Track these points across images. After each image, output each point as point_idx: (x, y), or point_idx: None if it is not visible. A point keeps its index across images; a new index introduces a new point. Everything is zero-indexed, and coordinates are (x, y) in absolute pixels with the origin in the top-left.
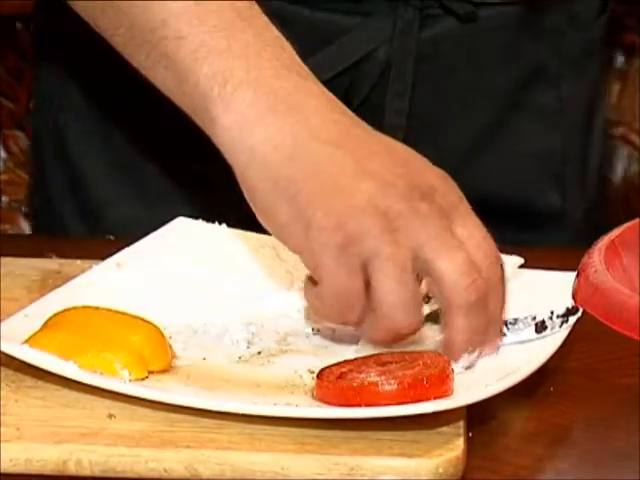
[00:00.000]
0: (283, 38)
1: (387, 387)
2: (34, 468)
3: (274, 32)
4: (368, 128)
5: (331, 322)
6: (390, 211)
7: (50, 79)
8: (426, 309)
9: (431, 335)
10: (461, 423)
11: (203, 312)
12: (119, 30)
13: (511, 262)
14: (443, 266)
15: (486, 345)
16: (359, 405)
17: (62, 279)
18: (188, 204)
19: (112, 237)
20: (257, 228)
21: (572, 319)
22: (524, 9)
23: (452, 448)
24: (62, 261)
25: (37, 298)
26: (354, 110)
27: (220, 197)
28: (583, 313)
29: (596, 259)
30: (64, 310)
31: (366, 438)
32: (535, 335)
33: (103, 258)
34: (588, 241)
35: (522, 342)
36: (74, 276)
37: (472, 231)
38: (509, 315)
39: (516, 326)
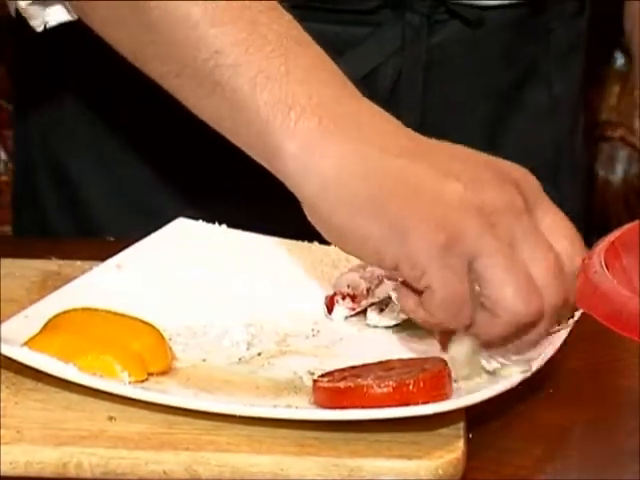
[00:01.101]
0: (334, 63)
1: (372, 390)
2: (34, 471)
3: (327, 57)
4: (431, 140)
5: (439, 328)
6: (485, 206)
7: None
8: None
9: (430, 337)
10: (461, 424)
11: (203, 313)
12: (168, 63)
13: None
14: (535, 269)
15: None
16: (347, 407)
17: (62, 280)
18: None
19: (112, 238)
20: (257, 229)
21: (577, 314)
22: (528, 10)
23: (452, 449)
24: (62, 262)
25: (37, 299)
26: None
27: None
28: (584, 314)
29: (596, 260)
30: (64, 312)
31: (366, 440)
32: None
33: (103, 259)
34: (587, 237)
35: None
36: (74, 277)
37: (556, 220)
38: None
39: None
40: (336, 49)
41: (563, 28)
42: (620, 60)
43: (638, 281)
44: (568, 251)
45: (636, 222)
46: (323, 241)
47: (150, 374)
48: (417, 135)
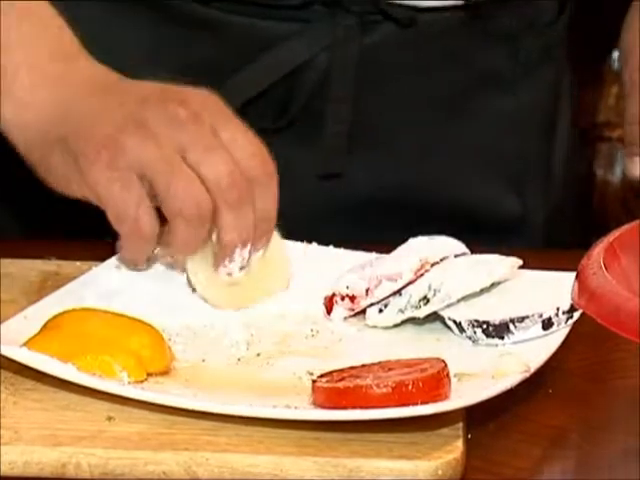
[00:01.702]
0: (66, 26)
1: (371, 390)
2: (33, 471)
3: (57, 20)
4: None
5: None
6: (148, 122)
7: None
8: (425, 310)
9: (430, 337)
10: (460, 425)
11: (202, 314)
12: None
13: (510, 263)
14: (205, 169)
15: (257, 241)
16: (346, 407)
17: (61, 281)
18: None
19: (110, 239)
20: None
21: (576, 314)
22: (467, 14)
23: (451, 450)
24: (61, 262)
25: (36, 300)
26: (292, 117)
27: None
28: (583, 315)
29: (595, 261)
30: (63, 312)
31: (365, 440)
32: (542, 332)
33: (102, 259)
34: (549, 246)
35: (529, 340)
36: (73, 278)
37: (236, 133)
38: (516, 314)
39: (523, 324)
40: (264, 44)
41: (533, 36)
42: (617, 61)
43: (637, 282)
44: (248, 160)
45: (635, 222)
46: (322, 242)
47: (149, 374)
48: (116, 88)
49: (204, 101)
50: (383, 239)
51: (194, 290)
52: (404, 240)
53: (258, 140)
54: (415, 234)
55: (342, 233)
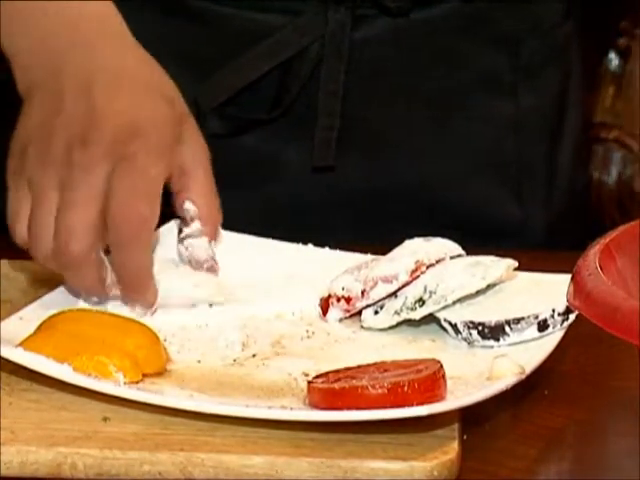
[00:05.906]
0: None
1: (367, 391)
2: (28, 471)
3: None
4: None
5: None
6: (51, 148)
7: None
8: (420, 312)
9: (425, 338)
10: (455, 426)
11: (198, 314)
12: None
13: (505, 265)
14: (58, 218)
15: (124, 293)
16: (341, 408)
17: (57, 281)
18: None
19: None
20: (251, 231)
21: (572, 316)
22: (465, 14)
23: (447, 451)
24: None
25: (32, 300)
26: (286, 108)
27: None
28: (579, 316)
29: (591, 262)
30: (59, 313)
31: (360, 441)
32: (538, 334)
33: None
34: (550, 253)
35: (525, 341)
36: None
37: (121, 184)
38: (512, 315)
39: (519, 325)
40: (255, 36)
41: (536, 39)
42: (614, 61)
43: (633, 283)
44: (114, 217)
45: (631, 224)
46: (318, 243)
47: (145, 375)
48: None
49: (118, 141)
50: (374, 236)
51: None
52: (397, 239)
53: (147, 188)
54: (410, 234)
55: (335, 227)
